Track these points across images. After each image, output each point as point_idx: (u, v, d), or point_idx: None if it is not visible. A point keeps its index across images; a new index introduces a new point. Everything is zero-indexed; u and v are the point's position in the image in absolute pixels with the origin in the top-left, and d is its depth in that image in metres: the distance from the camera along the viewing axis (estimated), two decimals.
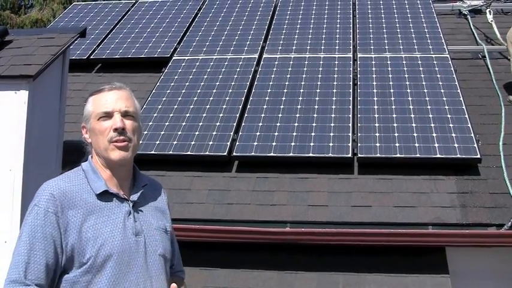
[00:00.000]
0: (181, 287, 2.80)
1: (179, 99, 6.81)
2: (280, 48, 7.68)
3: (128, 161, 2.64)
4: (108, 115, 2.60)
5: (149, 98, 6.89)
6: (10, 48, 5.59)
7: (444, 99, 6.33)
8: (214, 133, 6.17)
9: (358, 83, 6.78)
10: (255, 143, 5.97)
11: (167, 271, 2.69)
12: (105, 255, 2.46)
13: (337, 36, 7.83)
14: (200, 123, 6.34)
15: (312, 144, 5.87)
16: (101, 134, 2.59)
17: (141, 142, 5.96)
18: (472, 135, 5.78)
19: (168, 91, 6.99)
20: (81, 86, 7.57)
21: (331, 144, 5.85)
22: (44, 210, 2.46)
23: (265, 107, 6.50)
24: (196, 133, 6.20)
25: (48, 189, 2.52)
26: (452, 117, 6.04)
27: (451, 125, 5.93)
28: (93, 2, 9.96)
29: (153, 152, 6.01)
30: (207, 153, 5.95)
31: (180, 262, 2.95)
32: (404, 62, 7.05)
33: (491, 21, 8.22)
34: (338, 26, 8.11)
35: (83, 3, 10.17)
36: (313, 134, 6.00)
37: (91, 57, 8.08)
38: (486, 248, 5.16)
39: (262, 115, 6.36)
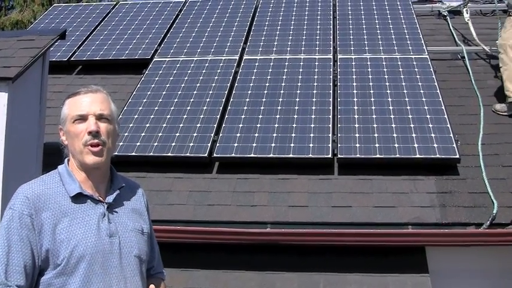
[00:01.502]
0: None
1: (160, 100, 6.81)
2: (260, 49, 7.69)
3: (102, 165, 2.65)
4: (82, 118, 2.61)
5: (130, 100, 6.88)
6: None
7: (424, 99, 6.37)
8: (194, 134, 6.17)
9: (338, 84, 6.80)
10: (236, 144, 5.97)
11: (143, 272, 2.69)
12: (78, 257, 2.46)
13: (318, 37, 7.85)
14: (181, 125, 6.34)
15: (292, 145, 5.89)
16: (75, 137, 2.60)
17: (122, 143, 6.03)
18: (451, 135, 5.82)
19: (149, 93, 6.99)
20: (61, 88, 7.54)
21: (311, 145, 5.87)
22: (19, 213, 2.47)
23: (245, 108, 6.51)
24: (177, 134, 6.20)
25: (22, 192, 2.54)
26: (431, 117, 6.08)
27: (430, 126, 5.97)
28: (74, 4, 9.91)
29: (133, 154, 6.00)
30: (188, 154, 5.95)
31: (160, 263, 2.95)
32: (384, 63, 7.09)
33: (468, 20, 8.28)
34: (318, 27, 8.13)
35: (64, 4, 10.13)
36: (293, 134, 6.02)
37: (72, 59, 8.05)
38: (465, 247, 5.21)
39: (243, 116, 6.37)
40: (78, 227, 2.51)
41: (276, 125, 6.18)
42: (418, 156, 5.64)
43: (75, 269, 2.46)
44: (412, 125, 5.99)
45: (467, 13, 8.48)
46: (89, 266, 2.47)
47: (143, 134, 6.24)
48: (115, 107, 2.76)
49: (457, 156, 5.61)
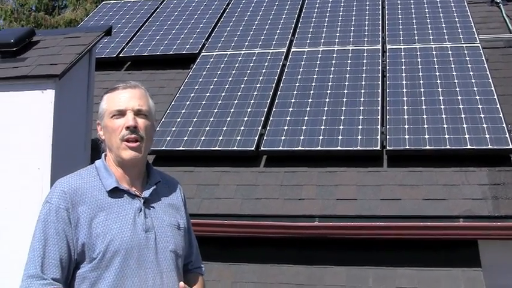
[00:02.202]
0: (198, 283, 2.77)
1: (207, 94, 6.81)
2: (308, 41, 7.62)
3: (139, 161, 2.65)
4: (121, 113, 2.61)
5: (177, 95, 6.90)
6: (37, 49, 5.65)
7: (475, 89, 6.21)
8: (242, 128, 6.14)
9: (387, 74, 6.69)
10: (283, 138, 5.93)
11: (179, 267, 2.68)
12: (113, 251, 2.47)
13: (366, 28, 7.75)
14: (228, 119, 6.32)
15: (340, 137, 5.81)
16: (113, 132, 2.60)
17: (169, 138, 6.06)
18: (504, 125, 5.66)
19: (196, 87, 6.99)
20: (110, 84, 7.46)
21: (359, 137, 5.78)
22: (56, 207, 2.49)
23: (293, 101, 6.46)
24: (224, 128, 6.18)
25: (59, 186, 2.56)
26: (483, 107, 5.93)
27: (482, 116, 5.81)
28: (122, 1, 9.99)
29: (181, 148, 6.01)
30: (235, 148, 5.93)
31: (199, 258, 2.93)
32: (434, 53, 6.94)
33: None
34: (367, 18, 8.02)
35: (112, 1, 10.22)
36: (341, 127, 5.94)
37: (120, 55, 8.12)
38: None
39: (290, 109, 6.32)
40: (114, 221, 2.51)
41: (324, 118, 6.10)
42: (469, 147, 5.49)
43: (110, 263, 2.46)
44: (463, 116, 5.85)
45: None
46: (124, 260, 2.48)
47: (190, 129, 6.25)
48: (153, 103, 2.75)
49: (510, 146, 5.44)
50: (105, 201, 2.55)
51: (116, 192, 2.58)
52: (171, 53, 7.95)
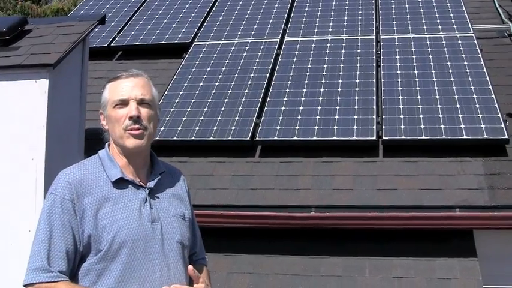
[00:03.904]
0: (203, 274, 2.74)
1: (201, 84, 6.76)
2: (301, 31, 7.59)
3: (143, 149, 2.61)
4: (123, 103, 2.57)
5: (170, 84, 6.85)
6: (30, 38, 5.56)
7: (470, 79, 6.21)
8: (236, 118, 6.11)
9: (382, 64, 6.67)
10: (278, 127, 5.90)
11: (185, 258, 2.65)
12: (120, 242, 2.43)
13: (360, 17, 7.72)
14: (222, 109, 6.29)
15: (335, 127, 5.79)
16: (116, 122, 2.56)
17: (163, 128, 6.01)
18: (499, 115, 5.66)
19: (190, 77, 6.94)
20: (102, 74, 7.53)
21: (355, 127, 5.77)
22: (61, 198, 2.45)
23: (287, 90, 6.43)
24: (219, 118, 6.15)
25: (63, 177, 2.52)
26: (478, 97, 5.93)
27: (477, 106, 5.81)
28: None
29: (175, 138, 5.98)
30: (230, 138, 5.90)
31: (202, 249, 2.91)
32: (428, 43, 6.93)
33: None
34: (360, 7, 7.99)
35: None
36: (336, 117, 5.92)
37: (111, 44, 8.05)
38: None
39: (285, 99, 6.29)
40: (120, 212, 2.48)
41: (319, 107, 6.08)
42: (465, 137, 5.50)
43: (116, 254, 2.42)
44: (458, 106, 5.85)
45: None
46: (131, 251, 2.44)
47: (184, 119, 6.21)
48: (156, 92, 2.71)
49: (506, 136, 5.45)
50: (110, 192, 2.51)
51: (120, 183, 2.54)
52: (163, 42, 7.89)
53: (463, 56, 6.61)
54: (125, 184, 2.55)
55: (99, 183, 2.51)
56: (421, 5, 7.81)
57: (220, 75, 6.86)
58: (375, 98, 6.13)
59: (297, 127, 5.86)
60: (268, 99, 6.34)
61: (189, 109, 6.35)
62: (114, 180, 2.53)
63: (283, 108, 6.16)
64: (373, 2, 8.10)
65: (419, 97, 6.03)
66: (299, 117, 5.99)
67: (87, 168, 2.57)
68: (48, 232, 2.42)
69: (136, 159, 2.61)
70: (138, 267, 2.45)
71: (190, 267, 2.59)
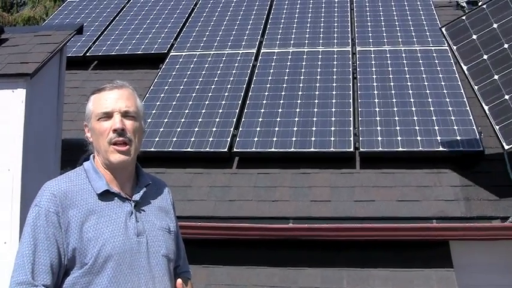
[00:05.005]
0: (187, 287, 2.73)
1: (177, 95, 6.75)
2: (278, 42, 7.63)
3: (129, 164, 2.58)
4: (107, 115, 2.53)
5: (147, 95, 6.84)
6: (6, 46, 5.50)
7: (445, 91, 6.29)
8: (214, 129, 6.11)
9: (358, 76, 6.74)
10: (256, 139, 5.92)
11: (171, 271, 2.62)
12: (105, 256, 2.39)
13: (335, 30, 7.78)
14: (199, 120, 6.28)
15: (313, 139, 5.82)
16: (100, 135, 2.52)
17: None
18: (474, 127, 5.74)
19: (166, 87, 6.93)
20: (77, 84, 7.49)
21: (332, 138, 5.80)
22: (45, 211, 2.41)
23: (264, 102, 6.44)
24: (196, 129, 6.14)
25: (48, 189, 2.46)
26: (453, 109, 6.01)
27: (452, 118, 5.89)
28: None
29: (152, 149, 5.95)
30: (207, 149, 5.90)
31: (186, 262, 2.89)
32: (403, 55, 7.01)
33: None
34: (336, 19, 8.06)
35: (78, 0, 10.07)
36: (314, 128, 5.95)
37: (87, 54, 8.01)
38: (491, 241, 5.13)
39: (262, 110, 6.31)
40: (105, 225, 2.44)
41: (296, 119, 6.11)
42: (441, 149, 5.57)
43: (102, 268, 2.38)
44: (434, 118, 5.92)
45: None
46: (116, 265, 2.40)
47: (162, 129, 6.19)
48: (141, 103, 2.68)
49: (481, 148, 5.53)
50: (96, 205, 2.47)
51: (106, 195, 2.50)
52: (139, 52, 7.87)
53: (438, 68, 6.70)
54: (110, 196, 2.51)
55: (84, 195, 2.47)
56: (396, 18, 7.90)
57: (197, 86, 6.86)
58: (351, 109, 6.17)
59: (275, 138, 5.88)
60: (245, 110, 6.35)
61: (166, 120, 6.34)
62: (100, 193, 2.50)
63: (260, 119, 6.18)
64: (349, 14, 8.17)
65: (395, 109, 6.09)
66: (276, 129, 6.01)
67: (72, 180, 2.52)
68: (32, 245, 2.37)
69: (122, 172, 2.57)
70: (124, 281, 2.41)
71: (179, 281, 2.58)
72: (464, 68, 4.97)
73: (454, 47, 4.95)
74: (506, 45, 4.96)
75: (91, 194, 2.48)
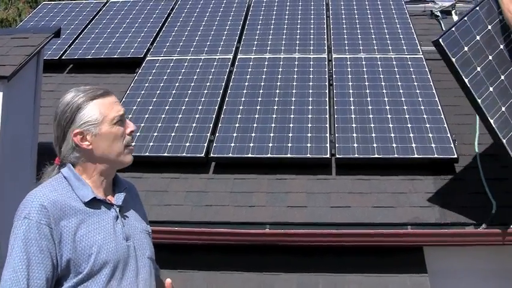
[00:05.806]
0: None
1: (154, 100, 6.75)
2: (254, 48, 7.65)
3: None
4: (122, 119, 2.53)
5: (123, 99, 6.82)
6: None
7: (420, 99, 6.36)
8: (190, 134, 6.12)
9: (334, 83, 6.78)
10: (232, 144, 5.93)
11: (153, 273, 2.64)
12: (101, 263, 2.37)
13: (312, 36, 7.82)
14: (176, 125, 6.28)
15: (289, 145, 5.86)
16: (117, 139, 2.51)
17: None
18: (449, 135, 5.82)
19: (143, 92, 6.92)
20: (53, 87, 7.45)
21: (308, 144, 5.84)
22: (37, 223, 2.33)
23: (241, 107, 6.47)
24: (173, 134, 6.14)
25: (37, 200, 2.39)
26: (428, 117, 6.08)
27: (427, 125, 5.96)
28: (64, 2, 9.81)
29: None
30: (184, 154, 5.90)
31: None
32: (379, 63, 7.08)
33: None
34: (312, 26, 8.11)
35: (53, 2, 10.02)
36: (290, 134, 5.99)
37: (63, 57, 7.97)
38: (464, 247, 5.21)
39: (239, 116, 6.33)
40: (97, 232, 2.42)
41: (273, 125, 6.14)
42: (416, 156, 5.63)
43: (97, 275, 2.36)
44: (409, 125, 5.98)
45: (456, 14, 8.51)
46: (111, 272, 2.38)
47: (138, 134, 6.17)
48: None
49: (455, 156, 5.60)
50: (84, 213, 2.43)
51: (93, 203, 2.47)
52: (115, 56, 7.85)
53: (413, 76, 6.77)
54: (97, 204, 2.49)
55: (72, 204, 2.42)
56: (371, 26, 7.97)
57: (174, 91, 6.86)
58: (328, 116, 6.22)
59: (251, 144, 5.91)
60: (222, 115, 6.37)
61: (142, 124, 6.33)
62: (87, 201, 2.46)
63: (237, 125, 6.20)
64: (325, 21, 8.23)
65: (371, 116, 6.14)
66: (253, 135, 6.03)
67: (56, 189, 2.46)
68: (25, 260, 2.30)
69: (111, 177, 2.58)
70: (117, 286, 2.41)
71: (168, 280, 2.59)
72: (466, 80, 4.85)
73: (453, 59, 4.87)
74: (490, 57, 4.97)
75: (77, 202, 2.43)
